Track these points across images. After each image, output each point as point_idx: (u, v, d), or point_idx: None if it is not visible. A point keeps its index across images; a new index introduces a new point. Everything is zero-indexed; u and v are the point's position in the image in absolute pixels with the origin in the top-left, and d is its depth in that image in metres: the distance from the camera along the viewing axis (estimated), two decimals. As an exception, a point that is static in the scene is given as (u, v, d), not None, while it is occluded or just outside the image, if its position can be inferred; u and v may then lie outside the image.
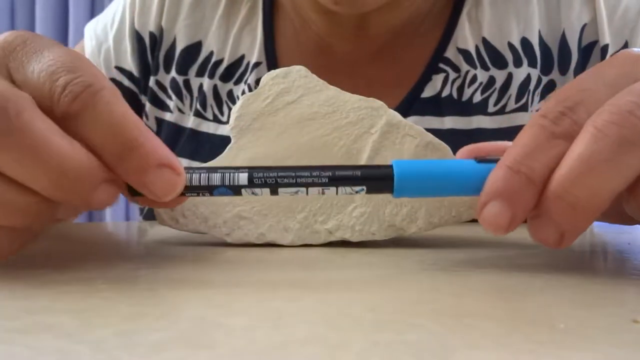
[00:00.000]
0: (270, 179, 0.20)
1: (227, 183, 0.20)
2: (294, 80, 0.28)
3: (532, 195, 0.18)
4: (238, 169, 0.20)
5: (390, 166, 0.20)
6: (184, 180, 0.20)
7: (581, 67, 0.43)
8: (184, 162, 0.47)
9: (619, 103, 0.17)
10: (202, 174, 0.20)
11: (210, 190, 0.20)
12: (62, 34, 1.58)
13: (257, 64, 0.46)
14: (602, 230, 0.37)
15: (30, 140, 0.17)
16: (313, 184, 0.20)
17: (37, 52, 0.19)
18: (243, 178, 0.20)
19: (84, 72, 0.18)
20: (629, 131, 0.17)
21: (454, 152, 0.27)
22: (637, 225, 0.25)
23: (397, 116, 0.27)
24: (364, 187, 0.20)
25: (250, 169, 0.20)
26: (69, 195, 0.18)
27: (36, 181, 0.17)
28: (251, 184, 0.20)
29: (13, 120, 0.17)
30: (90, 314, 0.14)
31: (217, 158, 0.27)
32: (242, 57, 0.47)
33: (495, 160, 0.19)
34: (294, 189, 0.20)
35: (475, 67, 0.44)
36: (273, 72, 0.28)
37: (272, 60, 0.46)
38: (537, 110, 0.43)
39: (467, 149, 0.20)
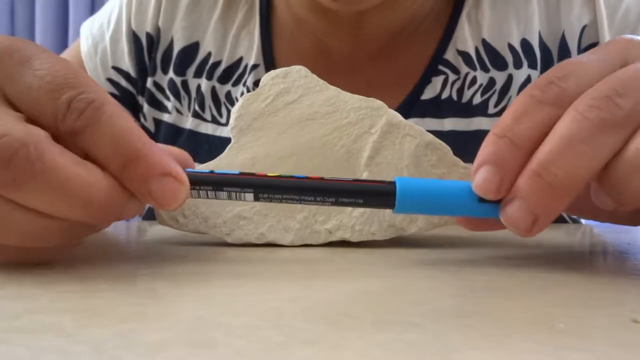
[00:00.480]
0: (275, 199, 0.21)
1: (233, 199, 0.21)
2: (294, 80, 0.28)
3: (517, 158, 0.19)
4: (243, 188, 0.20)
5: (393, 194, 0.20)
6: (187, 189, 0.20)
7: None
8: None
9: (600, 89, 0.18)
10: (209, 192, 0.21)
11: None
12: (62, 34, 1.58)
13: (255, 66, 0.46)
14: (602, 230, 0.37)
15: (55, 180, 0.17)
16: (316, 204, 0.21)
17: (26, 62, 0.19)
18: (249, 197, 0.21)
19: (85, 87, 0.18)
20: (608, 114, 0.18)
21: (454, 153, 0.27)
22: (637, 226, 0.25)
23: (397, 116, 0.27)
24: (365, 209, 0.21)
25: (256, 188, 0.21)
26: (100, 219, 0.19)
27: (67, 214, 0.18)
28: (257, 200, 0.21)
29: (36, 164, 0.17)
30: (90, 314, 0.14)
31: (218, 158, 0.27)
32: (240, 60, 0.47)
33: (498, 202, 0.20)
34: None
35: (475, 69, 0.44)
36: (273, 72, 0.28)
37: (270, 62, 0.46)
38: None
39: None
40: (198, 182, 0.20)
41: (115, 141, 0.18)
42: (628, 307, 0.15)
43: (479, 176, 0.19)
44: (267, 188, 0.21)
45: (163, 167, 0.19)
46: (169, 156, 0.20)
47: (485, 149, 0.19)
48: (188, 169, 0.21)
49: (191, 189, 0.20)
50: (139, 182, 0.19)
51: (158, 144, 0.20)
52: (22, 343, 0.12)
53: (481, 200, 0.20)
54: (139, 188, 0.19)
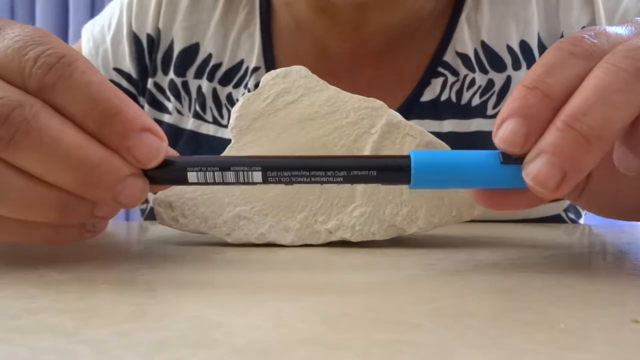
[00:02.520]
0: (284, 177, 0.20)
1: (241, 181, 0.20)
2: (294, 80, 0.28)
3: (548, 110, 0.18)
4: (251, 166, 0.20)
5: (408, 168, 0.19)
6: (166, 145, 0.20)
7: None
8: None
9: (631, 42, 0.18)
10: (215, 173, 0.20)
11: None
12: (62, 34, 1.58)
13: (256, 69, 0.47)
14: (602, 230, 0.37)
15: (47, 138, 0.17)
16: (327, 182, 0.20)
17: None
18: (257, 176, 0.20)
19: (54, 44, 0.18)
20: None
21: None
22: (637, 225, 0.25)
23: (397, 116, 0.27)
24: (379, 184, 0.20)
25: (264, 166, 0.20)
26: (92, 188, 0.18)
27: (58, 177, 0.18)
28: (265, 181, 0.20)
29: (31, 121, 0.17)
30: (90, 314, 0.14)
31: (218, 158, 0.27)
32: (241, 62, 0.47)
33: (521, 160, 0.18)
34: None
35: (473, 71, 0.44)
36: (273, 72, 0.28)
37: (271, 64, 0.47)
38: None
39: None
40: (205, 164, 0.20)
41: (92, 96, 0.18)
42: (628, 307, 0.15)
43: (504, 128, 0.18)
44: (275, 166, 0.20)
45: (142, 123, 0.19)
46: (146, 113, 0.19)
47: (513, 102, 0.18)
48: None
49: (197, 171, 0.20)
50: (118, 138, 0.18)
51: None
52: (22, 343, 0.12)
53: (504, 162, 0.19)
54: (118, 144, 0.18)
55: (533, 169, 0.18)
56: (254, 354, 0.11)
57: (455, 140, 0.42)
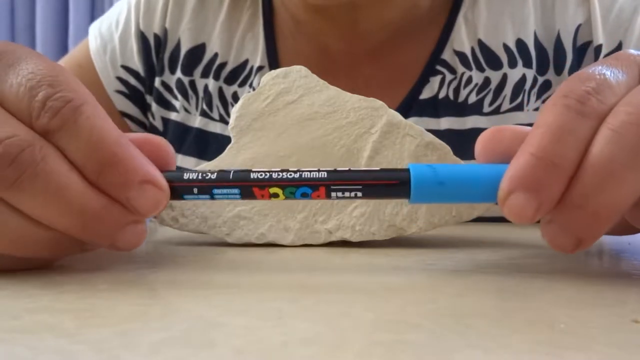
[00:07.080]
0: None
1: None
2: (294, 80, 0.28)
3: (561, 181, 0.17)
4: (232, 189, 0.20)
5: (408, 182, 0.19)
6: (168, 196, 0.19)
7: (576, 67, 0.43)
8: (192, 161, 0.48)
9: (634, 102, 0.17)
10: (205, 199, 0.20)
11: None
12: (62, 34, 1.58)
13: (260, 68, 0.48)
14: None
15: (54, 183, 0.17)
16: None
17: (14, 64, 0.18)
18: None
19: (64, 87, 0.18)
20: None
21: (452, 152, 0.27)
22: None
23: (398, 116, 0.27)
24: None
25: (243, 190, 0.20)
26: (91, 235, 0.18)
27: (58, 222, 0.18)
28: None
29: (39, 164, 0.17)
30: (90, 314, 0.14)
31: (218, 158, 0.27)
32: (246, 62, 0.48)
33: None
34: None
35: (470, 69, 0.44)
36: (273, 72, 0.28)
37: (275, 63, 0.47)
38: (535, 110, 0.43)
39: (487, 139, 0.19)
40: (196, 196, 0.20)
41: (91, 144, 0.18)
42: (628, 307, 0.15)
43: (513, 202, 0.17)
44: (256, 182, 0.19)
45: (143, 174, 0.18)
46: (149, 162, 0.19)
47: (520, 171, 0.17)
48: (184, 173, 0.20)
49: (193, 199, 0.20)
50: (117, 188, 0.18)
51: (135, 143, 0.19)
52: (22, 343, 0.12)
53: None
54: (116, 194, 0.18)
55: (549, 232, 0.18)
56: (254, 354, 0.11)
57: (452, 137, 0.43)
